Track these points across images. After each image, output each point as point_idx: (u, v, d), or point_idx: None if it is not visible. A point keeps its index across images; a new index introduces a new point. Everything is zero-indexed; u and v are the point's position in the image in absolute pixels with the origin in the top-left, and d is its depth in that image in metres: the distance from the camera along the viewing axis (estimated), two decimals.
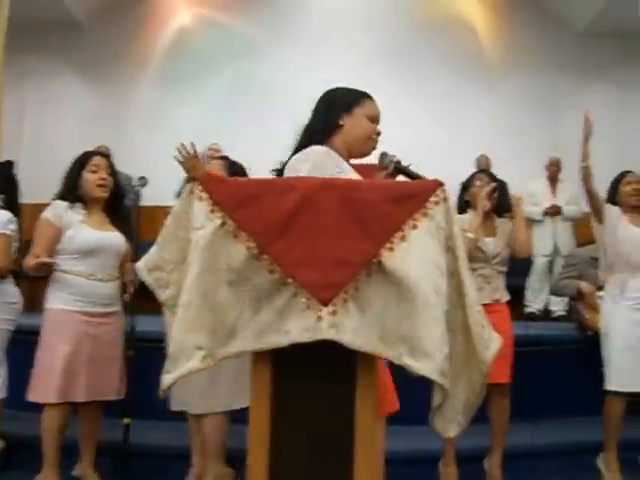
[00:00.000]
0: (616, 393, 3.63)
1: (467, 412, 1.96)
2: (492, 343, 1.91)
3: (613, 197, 3.90)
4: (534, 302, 6.96)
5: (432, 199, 1.82)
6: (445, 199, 1.83)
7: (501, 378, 3.43)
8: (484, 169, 4.72)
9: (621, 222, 3.77)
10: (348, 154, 2.42)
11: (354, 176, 2.27)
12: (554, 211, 6.95)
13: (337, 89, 2.50)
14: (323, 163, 2.25)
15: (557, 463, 3.93)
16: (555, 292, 5.69)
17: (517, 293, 6.83)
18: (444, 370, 1.75)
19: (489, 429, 3.68)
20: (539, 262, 6.95)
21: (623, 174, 3.93)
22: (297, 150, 2.36)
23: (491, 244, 3.70)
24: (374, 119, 2.44)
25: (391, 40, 8.31)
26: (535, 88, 8.36)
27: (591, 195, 3.82)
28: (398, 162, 2.47)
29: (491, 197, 3.65)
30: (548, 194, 7.11)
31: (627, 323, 3.66)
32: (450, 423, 1.95)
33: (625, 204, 3.83)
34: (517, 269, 6.74)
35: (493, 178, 3.81)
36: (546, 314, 6.92)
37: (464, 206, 3.83)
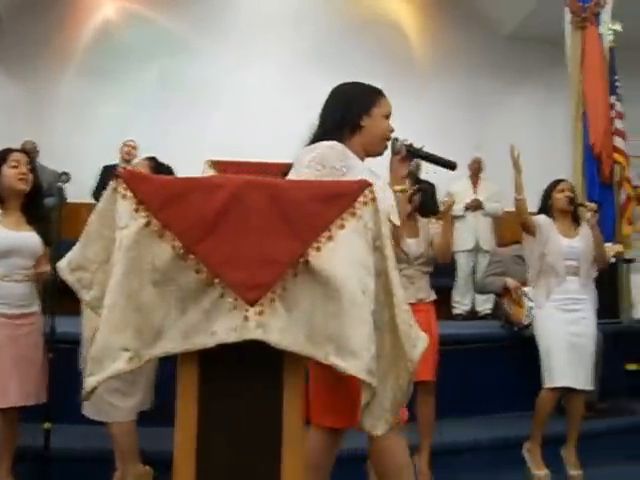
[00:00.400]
0: (551, 389, 3.75)
1: (395, 410, 1.98)
2: (419, 342, 1.93)
3: (546, 204, 4.00)
4: (461, 303, 7.09)
5: (360, 199, 1.83)
6: (373, 199, 1.84)
7: (426, 376, 3.47)
8: (410, 171, 4.74)
9: (552, 232, 3.89)
10: (365, 154, 2.43)
11: (362, 174, 2.20)
12: (475, 205, 7.10)
13: (352, 86, 2.49)
14: (327, 156, 2.26)
15: (484, 458, 4.01)
16: (481, 290, 5.80)
17: (445, 293, 6.96)
18: (371, 369, 1.76)
19: (416, 427, 3.72)
20: (462, 261, 7.08)
21: (557, 182, 4.04)
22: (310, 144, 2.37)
23: (413, 245, 3.73)
24: (388, 116, 2.48)
25: (321, 39, 8.32)
26: (463, 88, 8.50)
27: (526, 227, 3.91)
28: (410, 145, 2.50)
29: (411, 200, 3.67)
30: (469, 191, 7.28)
31: (556, 323, 3.80)
32: (378, 421, 1.96)
33: (557, 211, 3.96)
34: (446, 270, 6.88)
35: (416, 181, 3.84)
36: (473, 314, 7.05)
37: None
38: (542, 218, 3.96)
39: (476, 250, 7.09)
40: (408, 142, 2.49)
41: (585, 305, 3.89)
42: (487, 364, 4.58)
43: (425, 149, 2.53)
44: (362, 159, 2.39)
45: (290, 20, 8.49)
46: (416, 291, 3.71)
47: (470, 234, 7.10)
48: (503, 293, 4.87)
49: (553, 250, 3.86)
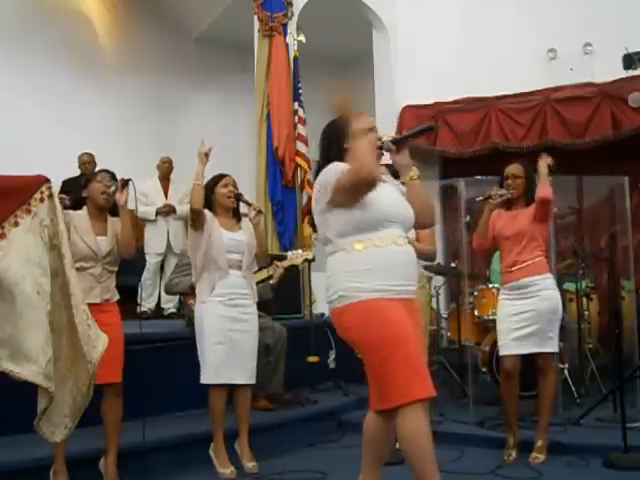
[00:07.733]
0: (215, 386, 3.82)
1: (75, 414, 1.93)
2: (99, 342, 1.90)
3: (209, 199, 3.99)
4: (147, 301, 7.03)
5: (36, 195, 1.76)
6: (51, 196, 1.78)
7: (113, 378, 3.39)
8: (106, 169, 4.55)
9: (214, 226, 3.92)
10: None
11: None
12: (167, 210, 7.05)
13: (334, 123, 2.61)
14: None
15: (170, 456, 4.01)
16: (169, 290, 5.80)
17: (131, 292, 6.87)
18: (48, 373, 1.70)
19: (103, 429, 3.62)
20: (153, 261, 7.03)
21: (220, 177, 4.05)
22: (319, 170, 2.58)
23: (102, 243, 3.60)
24: (372, 129, 2.57)
25: (4, 23, 7.64)
26: (152, 87, 8.41)
27: (197, 217, 3.88)
28: (393, 139, 2.60)
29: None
30: (160, 193, 7.20)
31: (218, 318, 3.85)
32: (58, 427, 1.90)
33: (220, 206, 3.99)
34: (131, 268, 6.79)
35: (113, 177, 3.68)
36: (158, 312, 7.04)
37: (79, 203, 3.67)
38: (205, 212, 3.96)
39: (167, 252, 7.06)
40: (389, 138, 2.62)
41: (248, 300, 3.96)
42: (171, 363, 4.61)
43: (405, 132, 2.70)
44: None
45: None
46: (103, 291, 3.57)
47: (162, 238, 7.04)
48: (191, 293, 4.92)
49: (215, 243, 3.90)
